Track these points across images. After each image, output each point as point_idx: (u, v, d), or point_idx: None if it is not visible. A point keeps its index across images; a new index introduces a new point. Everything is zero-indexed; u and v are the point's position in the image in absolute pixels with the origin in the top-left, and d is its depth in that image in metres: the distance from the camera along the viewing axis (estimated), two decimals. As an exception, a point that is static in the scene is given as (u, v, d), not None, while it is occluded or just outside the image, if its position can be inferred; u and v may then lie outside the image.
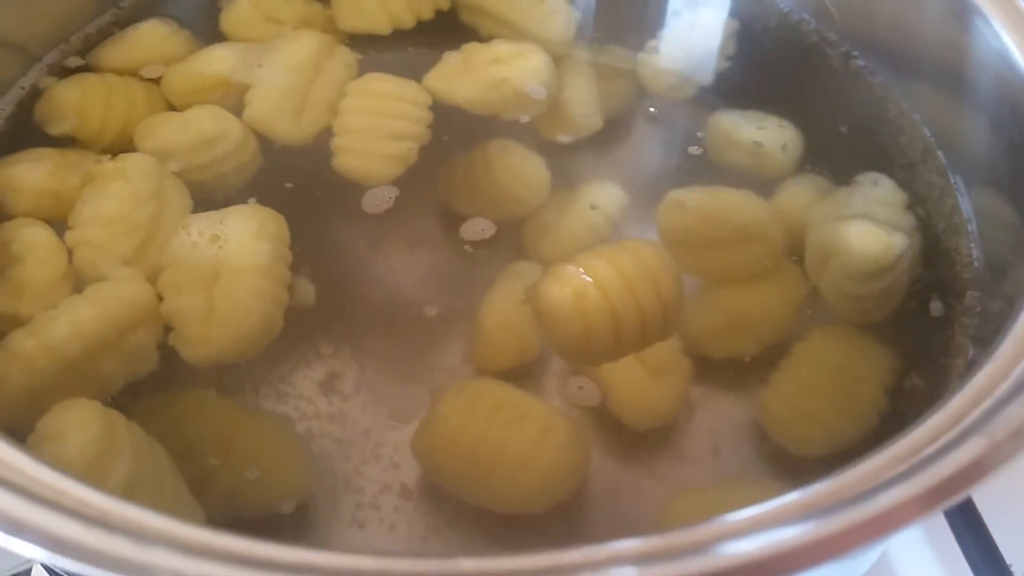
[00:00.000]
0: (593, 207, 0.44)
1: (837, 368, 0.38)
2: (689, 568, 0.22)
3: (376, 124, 0.45)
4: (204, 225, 0.41)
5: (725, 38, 0.51)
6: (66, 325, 0.36)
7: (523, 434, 0.35)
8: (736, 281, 0.41)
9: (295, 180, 0.46)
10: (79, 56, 0.49)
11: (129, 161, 0.42)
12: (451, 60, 0.48)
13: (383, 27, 0.51)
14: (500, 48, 0.48)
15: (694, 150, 0.48)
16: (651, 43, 0.51)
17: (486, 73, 0.47)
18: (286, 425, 0.39)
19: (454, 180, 0.46)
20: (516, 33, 0.50)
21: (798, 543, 0.23)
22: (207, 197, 0.44)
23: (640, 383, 0.38)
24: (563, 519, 0.36)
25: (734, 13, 0.52)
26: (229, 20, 0.51)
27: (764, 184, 0.45)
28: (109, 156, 0.44)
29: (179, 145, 0.44)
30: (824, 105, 0.49)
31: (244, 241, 0.40)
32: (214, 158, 0.44)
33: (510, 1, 0.50)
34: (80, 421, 0.32)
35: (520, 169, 0.45)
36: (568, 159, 0.47)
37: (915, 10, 0.45)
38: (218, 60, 0.48)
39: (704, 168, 0.47)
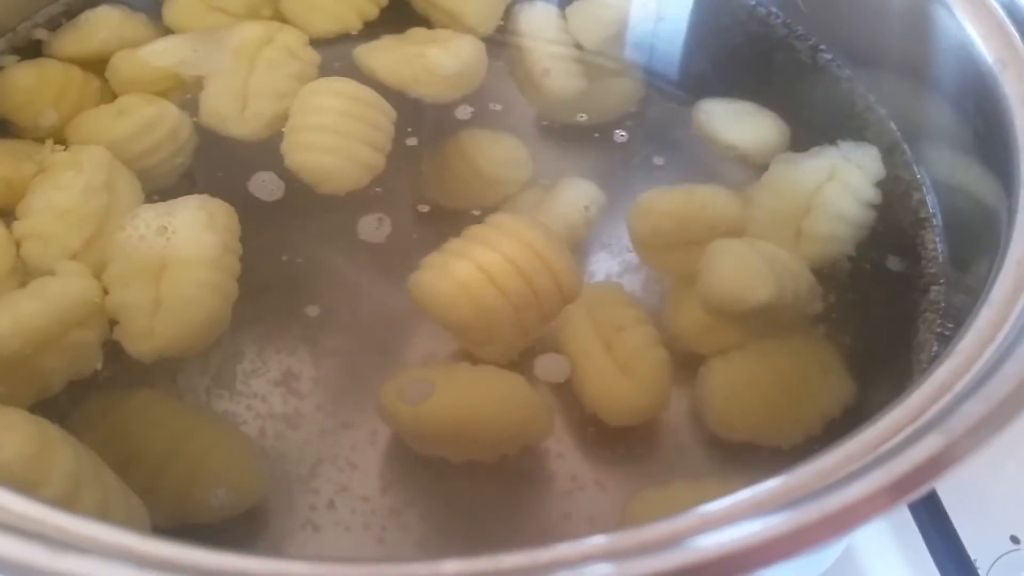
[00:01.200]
0: (586, 208, 0.44)
1: (782, 365, 0.38)
2: (663, 563, 0.22)
3: (344, 126, 0.44)
4: (152, 216, 0.40)
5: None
6: (7, 319, 0.35)
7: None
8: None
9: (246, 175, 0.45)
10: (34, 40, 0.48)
11: (83, 152, 0.41)
12: (387, 40, 0.48)
13: (353, 24, 0.50)
14: (439, 33, 0.48)
15: (658, 160, 0.47)
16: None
17: (407, 49, 0.47)
18: (236, 426, 0.38)
19: (435, 176, 0.46)
20: (456, 23, 0.50)
21: (771, 535, 0.22)
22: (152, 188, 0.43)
23: (614, 381, 0.38)
24: (526, 514, 0.36)
25: (702, 6, 0.52)
26: (172, 11, 0.50)
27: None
28: (56, 146, 0.43)
29: (116, 134, 0.43)
30: (792, 98, 0.49)
31: (192, 232, 0.39)
32: (152, 145, 0.44)
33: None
34: (10, 425, 0.30)
35: (496, 149, 0.46)
36: (547, 155, 0.47)
37: (880, 1, 0.45)
38: (162, 53, 0.47)
39: (684, 165, 0.47)
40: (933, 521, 0.52)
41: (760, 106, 0.47)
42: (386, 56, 0.48)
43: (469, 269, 0.36)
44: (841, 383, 0.38)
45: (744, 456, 0.37)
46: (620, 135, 0.48)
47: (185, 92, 0.47)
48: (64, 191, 0.39)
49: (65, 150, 0.42)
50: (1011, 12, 0.39)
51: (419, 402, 0.35)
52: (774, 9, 0.51)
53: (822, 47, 0.49)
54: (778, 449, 0.37)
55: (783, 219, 0.41)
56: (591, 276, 0.43)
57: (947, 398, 0.26)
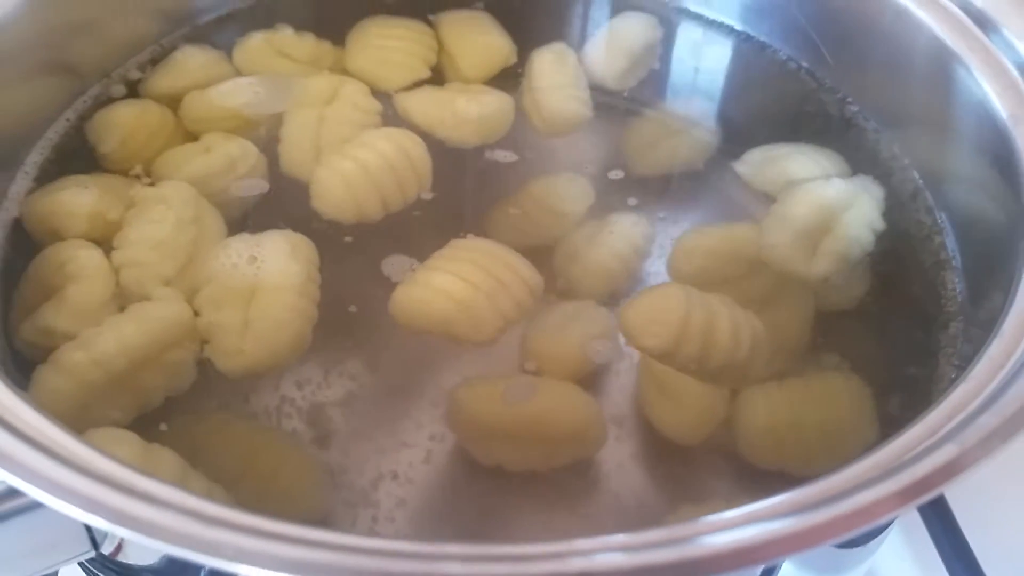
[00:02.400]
0: (639, 241, 0.48)
1: (818, 402, 0.41)
2: (675, 554, 0.25)
3: (373, 163, 0.48)
4: (243, 247, 0.44)
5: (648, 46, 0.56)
6: (112, 340, 0.39)
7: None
8: (749, 307, 0.44)
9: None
10: (123, 85, 0.53)
11: (169, 188, 0.46)
12: (426, 88, 0.54)
13: (421, 72, 0.55)
14: (473, 87, 0.53)
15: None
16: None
17: (440, 96, 0.53)
18: (302, 445, 0.42)
19: (497, 214, 0.50)
20: (452, 68, 0.56)
21: (776, 534, 0.26)
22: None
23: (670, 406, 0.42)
24: (572, 523, 0.40)
25: (737, 60, 0.56)
26: (242, 54, 0.55)
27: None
28: (145, 181, 0.48)
29: (204, 169, 0.48)
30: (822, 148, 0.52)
31: (279, 262, 0.43)
32: (232, 180, 0.48)
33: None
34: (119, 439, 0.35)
35: (558, 183, 0.51)
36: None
37: (904, 59, 0.49)
38: (228, 94, 0.52)
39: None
40: (956, 551, 0.54)
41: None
42: (421, 101, 0.52)
43: (443, 276, 0.42)
44: (869, 425, 0.41)
45: (775, 480, 0.40)
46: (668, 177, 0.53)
47: (252, 130, 0.51)
48: (157, 224, 0.44)
49: (153, 186, 0.47)
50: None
51: (522, 401, 0.39)
52: (805, 64, 0.55)
53: (849, 99, 0.53)
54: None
55: (802, 238, 0.45)
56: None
57: (961, 415, 0.29)
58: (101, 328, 0.40)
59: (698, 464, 0.42)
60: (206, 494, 0.33)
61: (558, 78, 0.54)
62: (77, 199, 0.45)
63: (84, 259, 0.42)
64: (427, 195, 0.49)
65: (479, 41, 0.56)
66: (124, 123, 0.50)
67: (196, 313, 0.42)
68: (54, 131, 0.49)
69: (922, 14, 0.47)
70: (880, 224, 0.46)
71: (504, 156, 0.52)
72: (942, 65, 0.46)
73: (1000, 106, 0.43)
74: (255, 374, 0.42)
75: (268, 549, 0.25)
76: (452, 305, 0.42)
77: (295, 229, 0.46)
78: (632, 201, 0.50)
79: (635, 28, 0.56)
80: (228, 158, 0.48)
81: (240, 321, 0.42)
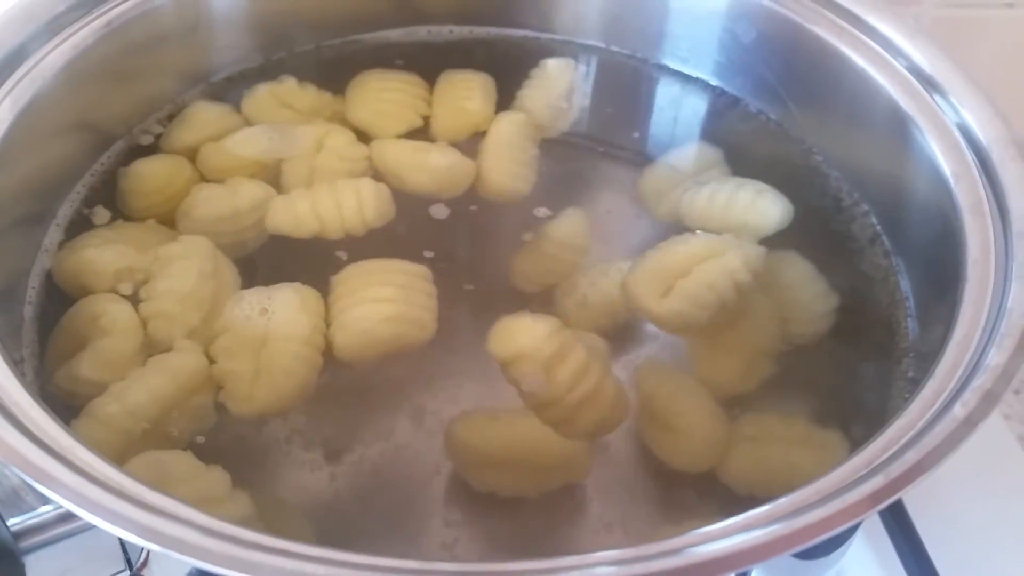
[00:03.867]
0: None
1: (791, 450, 0.45)
2: (664, 565, 0.30)
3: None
4: (255, 300, 0.48)
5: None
6: (144, 394, 0.43)
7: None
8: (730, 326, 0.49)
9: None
10: (144, 140, 0.58)
11: (191, 243, 0.50)
12: (402, 141, 0.59)
13: (415, 122, 0.59)
14: (444, 145, 0.58)
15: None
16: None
17: (414, 145, 0.58)
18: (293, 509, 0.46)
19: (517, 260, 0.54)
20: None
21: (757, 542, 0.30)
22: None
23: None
24: (559, 545, 0.44)
25: (711, 112, 0.61)
26: (250, 105, 0.59)
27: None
28: (168, 231, 0.52)
29: (232, 209, 0.52)
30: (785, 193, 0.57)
31: (289, 314, 0.47)
32: (252, 222, 0.53)
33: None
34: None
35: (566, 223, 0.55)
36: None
37: (864, 116, 0.54)
38: (244, 143, 0.56)
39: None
40: (918, 563, 0.59)
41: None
42: (395, 150, 0.57)
43: (364, 307, 0.48)
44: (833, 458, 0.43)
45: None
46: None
47: (266, 175, 0.55)
48: (182, 277, 0.48)
49: (173, 232, 0.51)
50: (964, 133, 0.48)
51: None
52: (773, 117, 0.60)
53: (814, 150, 0.58)
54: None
55: (662, 274, 0.49)
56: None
57: (893, 449, 0.34)
58: (131, 381, 0.44)
59: (680, 487, 0.46)
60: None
61: (505, 150, 0.57)
62: (102, 257, 0.49)
63: (116, 313, 0.46)
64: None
65: (456, 105, 0.60)
66: (147, 175, 0.54)
67: (212, 361, 0.46)
68: (82, 185, 0.54)
69: (879, 77, 0.52)
70: (745, 276, 0.48)
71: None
72: (896, 123, 0.51)
73: (944, 164, 0.47)
74: (264, 416, 0.46)
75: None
76: (390, 324, 0.47)
77: (300, 268, 0.50)
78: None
79: (554, 73, 0.61)
80: (254, 199, 0.53)
81: (251, 369, 0.46)
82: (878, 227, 0.54)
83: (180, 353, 0.46)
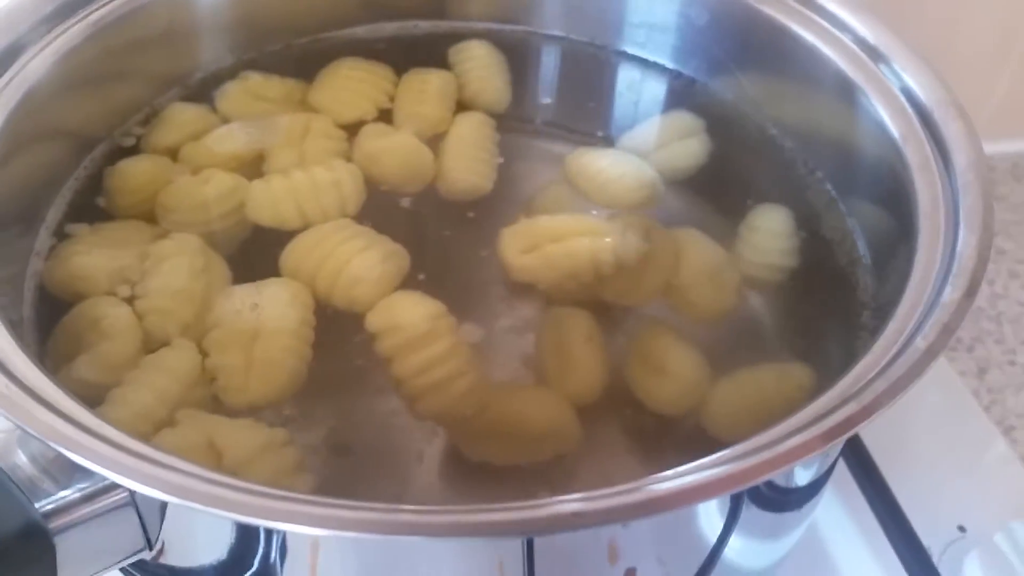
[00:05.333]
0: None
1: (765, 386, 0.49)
2: (626, 499, 0.33)
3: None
4: (245, 295, 0.50)
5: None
6: (150, 396, 0.45)
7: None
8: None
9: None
10: (124, 143, 0.59)
11: (181, 240, 0.52)
12: (380, 125, 0.61)
13: (369, 112, 0.62)
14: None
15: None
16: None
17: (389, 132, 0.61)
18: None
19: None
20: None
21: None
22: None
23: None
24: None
25: (670, 94, 0.65)
26: (225, 103, 0.61)
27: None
28: (157, 228, 0.54)
29: (203, 197, 0.54)
30: (744, 165, 0.61)
31: (278, 308, 0.49)
32: (231, 208, 0.55)
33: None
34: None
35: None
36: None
37: (814, 88, 0.57)
38: (223, 139, 0.58)
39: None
40: (889, 513, 0.63)
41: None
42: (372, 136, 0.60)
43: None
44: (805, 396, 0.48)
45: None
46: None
47: (246, 169, 0.57)
48: (174, 274, 0.50)
49: (159, 228, 0.53)
50: (908, 97, 0.51)
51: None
52: (729, 96, 0.63)
53: (768, 123, 0.61)
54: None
55: (535, 235, 0.53)
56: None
57: (864, 381, 0.37)
58: (135, 385, 0.45)
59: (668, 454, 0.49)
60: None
61: (465, 148, 0.59)
62: (93, 263, 0.50)
63: (116, 317, 0.48)
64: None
65: (410, 110, 0.62)
66: (132, 174, 0.56)
67: (205, 355, 0.48)
68: (68, 189, 0.55)
69: (827, 50, 0.55)
70: (608, 262, 0.52)
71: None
72: (845, 92, 0.54)
73: (892, 126, 0.51)
74: (258, 408, 0.47)
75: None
76: (391, 261, 0.52)
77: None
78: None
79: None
80: (225, 187, 0.55)
81: (243, 362, 0.47)
82: (833, 192, 0.58)
83: (177, 350, 0.48)
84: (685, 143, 0.61)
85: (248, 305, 0.50)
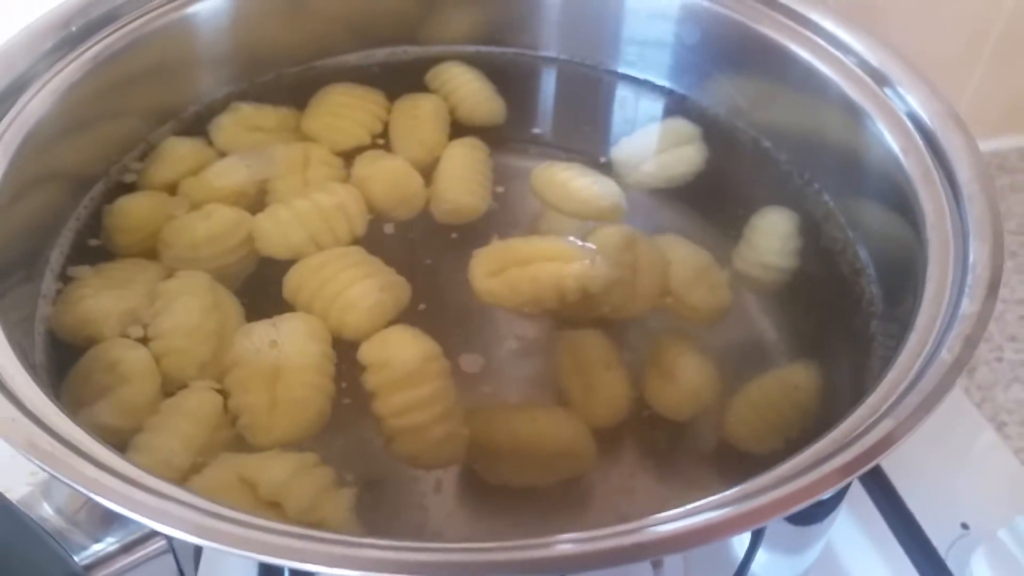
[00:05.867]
0: None
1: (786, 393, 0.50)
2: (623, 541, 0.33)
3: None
4: (263, 332, 0.49)
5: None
6: (177, 441, 0.44)
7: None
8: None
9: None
10: (121, 180, 0.58)
11: (189, 278, 0.51)
12: (377, 151, 0.62)
13: (363, 139, 0.62)
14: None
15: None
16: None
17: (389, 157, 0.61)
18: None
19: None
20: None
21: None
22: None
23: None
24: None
25: (665, 112, 0.65)
26: (220, 136, 0.61)
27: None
28: (161, 267, 0.53)
29: (204, 234, 0.54)
30: (738, 177, 0.62)
31: (297, 343, 0.48)
32: (234, 245, 0.54)
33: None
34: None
35: None
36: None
37: (812, 106, 0.58)
38: (222, 173, 0.58)
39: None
40: (896, 513, 0.64)
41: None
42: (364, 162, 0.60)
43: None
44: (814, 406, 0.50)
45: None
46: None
47: (246, 202, 0.57)
48: (186, 313, 0.49)
49: (172, 278, 0.52)
50: (911, 116, 0.52)
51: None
52: (722, 111, 0.64)
53: (763, 139, 0.62)
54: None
55: (504, 258, 0.54)
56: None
57: (892, 398, 0.38)
58: (158, 430, 0.45)
59: (682, 475, 0.50)
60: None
61: (459, 172, 0.59)
62: (101, 306, 0.50)
63: (134, 360, 0.47)
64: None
65: (409, 138, 0.62)
66: (130, 212, 0.55)
67: (226, 394, 0.47)
68: (69, 230, 0.54)
69: (823, 67, 0.56)
70: (573, 289, 0.52)
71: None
72: (850, 117, 0.55)
73: (892, 141, 0.52)
74: (284, 446, 0.46)
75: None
76: (387, 292, 0.52)
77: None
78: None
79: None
80: (227, 222, 0.54)
81: (267, 401, 0.47)
82: (831, 204, 0.59)
83: (194, 392, 0.47)
84: (682, 150, 0.62)
85: (267, 342, 0.49)
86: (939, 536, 0.62)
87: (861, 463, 0.34)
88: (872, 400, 0.39)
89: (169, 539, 0.37)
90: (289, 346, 0.49)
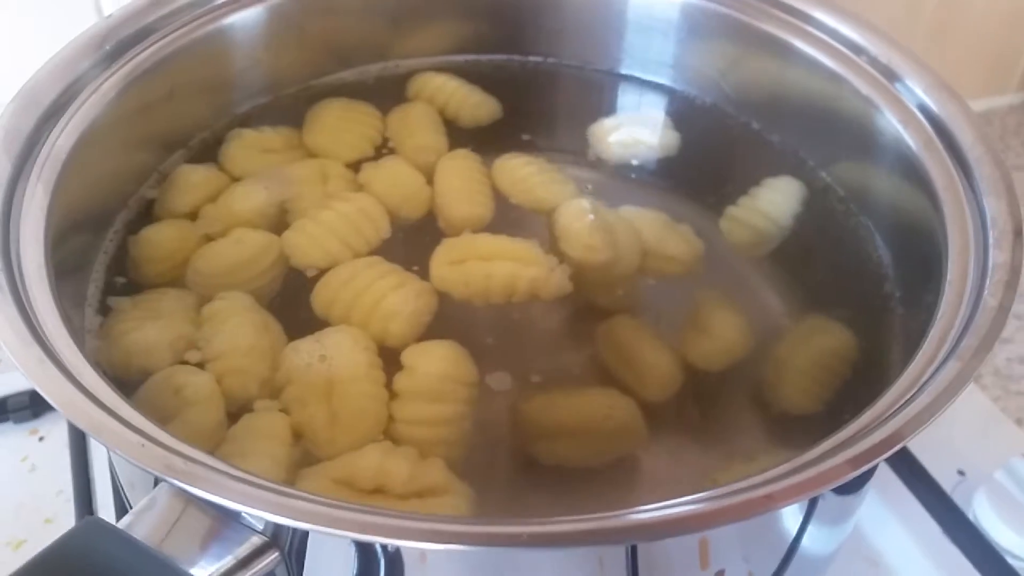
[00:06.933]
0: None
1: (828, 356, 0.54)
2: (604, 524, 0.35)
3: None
4: (310, 348, 0.50)
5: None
6: (266, 459, 0.45)
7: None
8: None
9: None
10: (140, 211, 0.58)
11: (234, 299, 0.52)
12: (390, 159, 0.64)
13: (367, 151, 0.64)
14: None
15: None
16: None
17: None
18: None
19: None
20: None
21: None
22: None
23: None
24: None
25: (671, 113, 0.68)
26: (230, 162, 0.61)
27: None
28: (172, 291, 0.53)
29: (236, 259, 0.54)
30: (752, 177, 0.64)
31: (345, 355, 0.50)
32: (264, 268, 0.55)
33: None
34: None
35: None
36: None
37: (824, 105, 0.60)
38: (242, 197, 0.58)
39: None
40: (906, 464, 0.67)
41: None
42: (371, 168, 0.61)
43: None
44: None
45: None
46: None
47: (268, 223, 0.58)
48: (240, 333, 0.50)
49: (220, 299, 0.52)
50: (922, 109, 0.55)
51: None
52: (729, 110, 0.67)
53: (773, 135, 0.65)
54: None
55: (466, 250, 0.56)
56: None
57: (907, 397, 0.40)
58: (245, 455, 0.45)
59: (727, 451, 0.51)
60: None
61: (457, 182, 0.61)
62: (148, 337, 0.50)
63: (199, 385, 0.47)
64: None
65: (411, 144, 0.64)
66: (157, 243, 0.55)
67: (285, 412, 0.48)
68: (100, 264, 0.54)
69: (829, 61, 0.59)
70: (524, 290, 0.54)
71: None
72: (865, 113, 0.57)
73: (908, 137, 0.54)
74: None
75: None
76: (423, 297, 0.53)
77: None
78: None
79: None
80: (258, 245, 0.55)
81: (326, 414, 0.47)
82: (841, 192, 0.61)
83: (264, 413, 0.48)
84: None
85: (316, 357, 0.50)
86: (941, 482, 0.66)
87: (942, 402, 0.37)
88: (926, 349, 0.42)
89: (281, 551, 0.38)
90: (338, 359, 0.50)
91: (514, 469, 0.49)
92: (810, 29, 0.61)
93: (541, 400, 0.51)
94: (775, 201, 0.61)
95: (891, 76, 0.57)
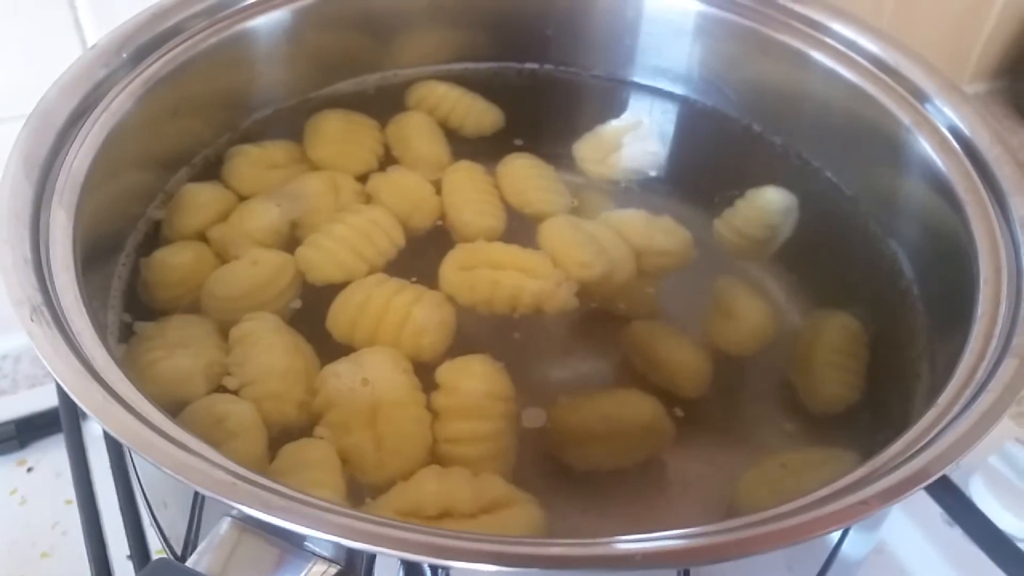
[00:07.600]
0: None
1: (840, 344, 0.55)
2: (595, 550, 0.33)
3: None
4: (351, 370, 0.48)
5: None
6: (326, 489, 0.43)
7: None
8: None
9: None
10: (148, 234, 0.56)
11: (263, 321, 0.50)
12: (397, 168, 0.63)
13: (371, 164, 0.62)
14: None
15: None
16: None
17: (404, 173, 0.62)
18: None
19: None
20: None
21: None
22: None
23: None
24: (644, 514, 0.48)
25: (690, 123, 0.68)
26: (236, 179, 0.59)
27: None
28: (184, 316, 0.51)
29: (254, 282, 0.52)
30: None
31: (387, 378, 0.48)
32: (282, 289, 0.53)
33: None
34: None
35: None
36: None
37: (845, 116, 0.60)
38: (253, 215, 0.57)
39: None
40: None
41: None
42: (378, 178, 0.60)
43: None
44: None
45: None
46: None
47: (280, 241, 0.56)
48: (272, 356, 0.48)
49: (248, 321, 0.50)
50: (953, 132, 0.54)
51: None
52: (745, 121, 0.67)
53: (790, 148, 0.65)
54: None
55: (478, 257, 0.56)
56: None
57: (930, 435, 0.40)
58: (306, 489, 0.42)
59: (750, 445, 0.52)
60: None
61: (466, 194, 0.60)
62: (180, 366, 0.48)
63: (241, 415, 0.46)
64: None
65: (415, 153, 0.63)
66: (173, 266, 0.53)
67: (323, 438, 0.46)
68: (116, 290, 0.52)
69: (872, 90, 0.58)
70: (527, 303, 0.54)
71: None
72: (893, 134, 0.57)
73: (937, 158, 0.54)
74: (395, 481, 0.45)
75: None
76: (445, 305, 0.53)
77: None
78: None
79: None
80: (275, 266, 0.53)
81: (371, 439, 0.46)
82: (867, 213, 0.61)
83: (309, 443, 0.46)
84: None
85: (359, 381, 0.48)
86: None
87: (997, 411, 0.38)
88: (974, 345, 0.43)
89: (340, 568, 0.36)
90: (381, 382, 0.48)
91: (543, 476, 0.49)
92: (807, 29, 0.61)
93: (568, 407, 0.50)
94: (772, 205, 0.61)
95: (920, 96, 0.56)
